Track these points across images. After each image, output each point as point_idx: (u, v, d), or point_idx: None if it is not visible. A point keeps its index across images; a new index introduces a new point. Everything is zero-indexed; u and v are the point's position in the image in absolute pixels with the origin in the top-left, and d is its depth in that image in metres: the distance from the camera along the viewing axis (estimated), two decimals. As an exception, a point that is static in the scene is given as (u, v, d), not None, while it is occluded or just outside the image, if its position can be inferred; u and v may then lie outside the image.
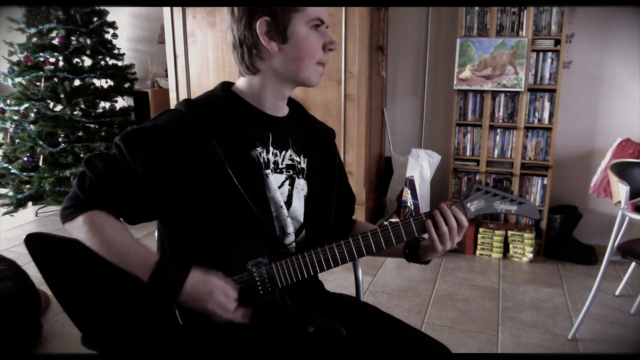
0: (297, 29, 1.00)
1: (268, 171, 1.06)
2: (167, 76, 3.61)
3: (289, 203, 1.10)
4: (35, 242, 1.02)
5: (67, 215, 0.99)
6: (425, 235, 1.06)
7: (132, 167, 0.95)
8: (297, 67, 1.03)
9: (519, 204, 1.05)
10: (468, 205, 1.05)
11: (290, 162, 1.11)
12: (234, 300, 0.98)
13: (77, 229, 0.98)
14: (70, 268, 1.02)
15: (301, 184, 1.13)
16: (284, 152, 1.10)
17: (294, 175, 1.11)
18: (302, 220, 1.13)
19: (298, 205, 1.12)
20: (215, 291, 0.96)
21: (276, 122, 1.10)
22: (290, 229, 1.10)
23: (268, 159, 1.07)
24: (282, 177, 1.09)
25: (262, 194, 1.04)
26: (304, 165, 1.14)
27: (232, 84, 1.11)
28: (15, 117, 3.55)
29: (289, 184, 1.10)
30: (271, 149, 1.07)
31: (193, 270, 0.96)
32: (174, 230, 1.06)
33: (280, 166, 1.09)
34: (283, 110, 1.12)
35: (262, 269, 1.01)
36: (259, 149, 1.06)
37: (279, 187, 1.08)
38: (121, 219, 1.02)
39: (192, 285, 0.95)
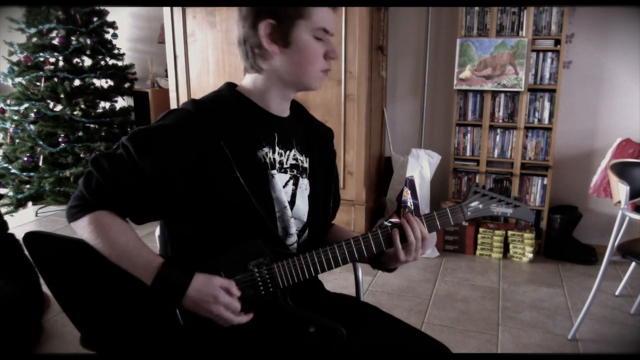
0: (300, 36, 1.00)
1: (274, 171, 1.07)
2: (167, 76, 3.60)
3: (292, 203, 1.10)
4: (34, 241, 1.02)
5: (73, 215, 0.98)
6: None
7: (140, 167, 0.95)
8: (299, 72, 1.03)
9: (515, 207, 1.09)
10: (466, 207, 1.07)
11: (294, 162, 1.11)
12: (238, 302, 0.98)
13: (82, 229, 0.97)
14: (70, 267, 1.02)
15: (305, 184, 1.13)
16: (288, 152, 1.10)
17: (298, 175, 1.12)
18: (305, 219, 1.13)
19: (302, 205, 1.12)
20: (220, 294, 0.96)
21: (281, 122, 1.10)
22: (293, 229, 1.10)
23: (274, 159, 1.07)
24: (287, 176, 1.09)
25: (267, 195, 1.04)
26: (306, 165, 1.14)
27: (236, 85, 1.11)
28: (15, 117, 3.55)
29: (293, 184, 1.11)
30: (277, 148, 1.08)
31: (197, 275, 0.96)
32: (178, 229, 1.06)
33: (285, 166, 1.09)
34: (286, 111, 1.13)
35: (263, 269, 1.01)
36: (266, 149, 1.06)
37: (284, 187, 1.08)
38: (127, 219, 1.01)
39: (196, 290, 0.95)
